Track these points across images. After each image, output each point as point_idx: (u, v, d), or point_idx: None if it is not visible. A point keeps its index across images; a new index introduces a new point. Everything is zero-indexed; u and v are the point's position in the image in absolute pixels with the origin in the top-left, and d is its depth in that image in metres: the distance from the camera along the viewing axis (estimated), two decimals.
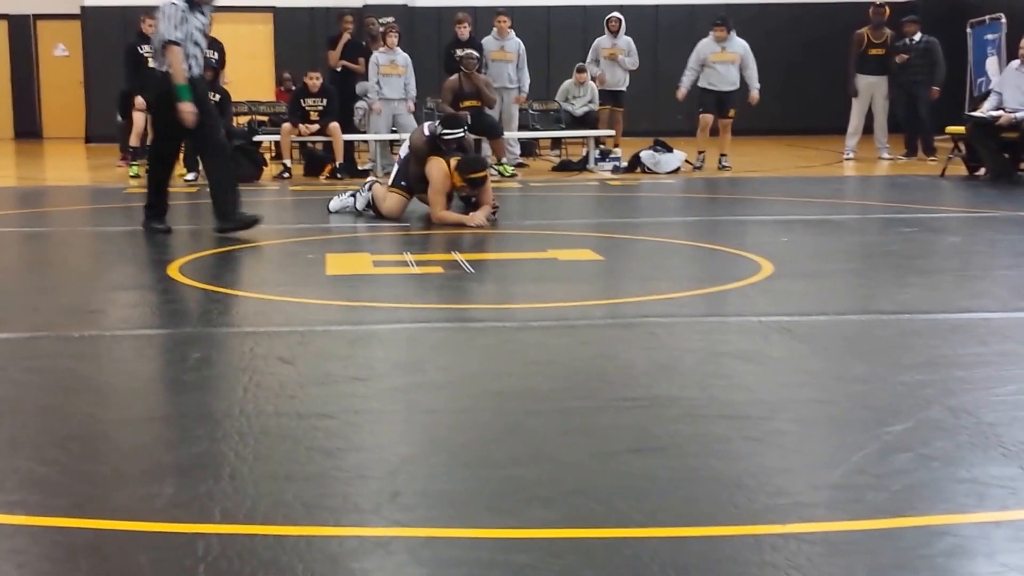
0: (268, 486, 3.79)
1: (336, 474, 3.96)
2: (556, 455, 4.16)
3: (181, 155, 16.35)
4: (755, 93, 16.96)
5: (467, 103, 15.90)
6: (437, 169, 10.71)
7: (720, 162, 16.95)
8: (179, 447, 4.26)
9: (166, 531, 3.46)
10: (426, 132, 11.22)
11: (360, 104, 17.63)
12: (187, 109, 9.61)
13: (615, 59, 18.04)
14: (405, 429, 4.57)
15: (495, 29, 17.34)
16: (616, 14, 18.35)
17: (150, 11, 17.24)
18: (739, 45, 16.89)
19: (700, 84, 16.97)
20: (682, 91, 17.13)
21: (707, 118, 16.97)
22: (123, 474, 4.01)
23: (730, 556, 3.32)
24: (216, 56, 16.72)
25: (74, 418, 4.67)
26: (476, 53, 16.35)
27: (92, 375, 5.54)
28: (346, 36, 17.64)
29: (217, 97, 16.01)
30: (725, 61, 16.81)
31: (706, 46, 16.97)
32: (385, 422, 4.65)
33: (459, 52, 16.69)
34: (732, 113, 16.93)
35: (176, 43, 9.78)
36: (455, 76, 16.10)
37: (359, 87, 17.58)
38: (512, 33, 17.36)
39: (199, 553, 3.28)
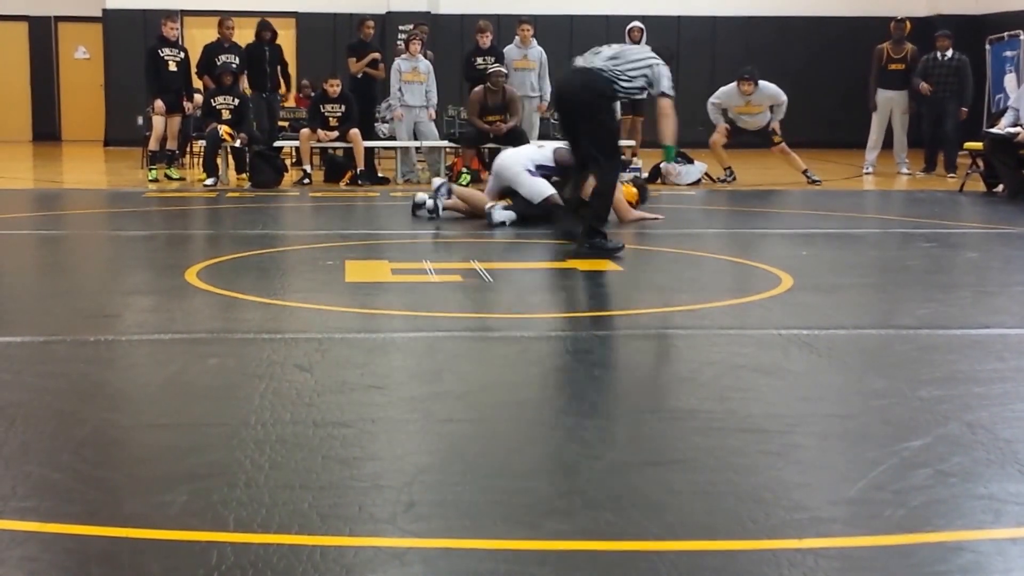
0: (283, 495, 3.78)
1: (352, 483, 3.95)
2: (573, 467, 4.15)
3: (202, 159, 16.49)
4: (775, 124, 16.85)
5: (491, 117, 15.91)
6: None
7: (808, 177, 16.72)
8: (194, 454, 4.25)
9: (179, 539, 3.45)
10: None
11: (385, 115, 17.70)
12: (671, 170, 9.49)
13: None
14: (422, 439, 4.56)
15: (517, 38, 17.30)
16: (638, 23, 18.32)
17: (171, 15, 17.36)
18: (766, 96, 16.72)
19: (733, 120, 16.93)
20: (721, 127, 17.02)
21: (724, 127, 16.92)
22: (137, 481, 4.00)
23: (747, 570, 3.31)
24: (237, 61, 16.76)
25: (88, 424, 4.66)
26: (504, 71, 16.28)
27: (107, 380, 5.54)
28: (373, 53, 17.55)
29: (236, 102, 16.06)
30: (752, 113, 16.76)
31: (730, 97, 16.86)
32: (402, 431, 4.63)
33: (480, 61, 16.70)
34: (778, 139, 16.79)
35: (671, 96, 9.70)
36: (480, 88, 16.05)
37: (386, 129, 17.67)
38: (535, 42, 17.32)
39: (212, 562, 3.26)
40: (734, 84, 16.85)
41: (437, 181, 12.16)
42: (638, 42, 18.03)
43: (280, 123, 19.26)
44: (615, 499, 3.81)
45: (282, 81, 17.79)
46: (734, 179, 16.82)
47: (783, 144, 16.82)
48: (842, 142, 22.79)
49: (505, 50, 17.20)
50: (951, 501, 3.84)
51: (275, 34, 17.75)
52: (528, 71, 17.16)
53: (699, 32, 24.38)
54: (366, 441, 4.47)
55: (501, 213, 11.26)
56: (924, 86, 17.78)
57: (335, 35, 23.62)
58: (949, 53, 17.94)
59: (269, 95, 17.31)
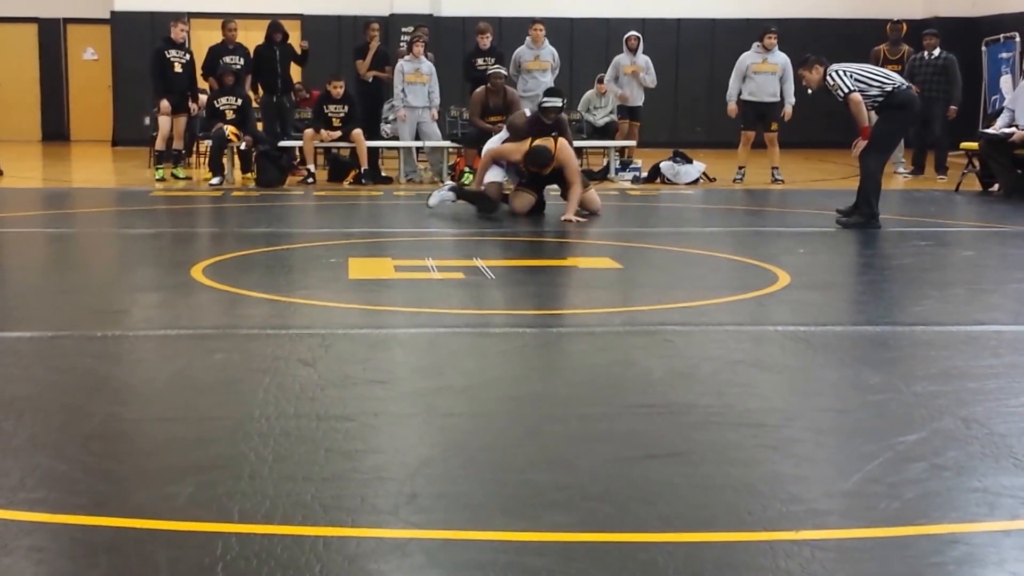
0: (287, 487, 3.83)
1: (354, 476, 4.00)
2: (573, 460, 4.19)
3: (207, 159, 16.51)
4: (788, 108, 16.75)
5: (493, 118, 15.87)
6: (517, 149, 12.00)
7: (773, 175, 16.77)
8: (199, 447, 4.30)
9: (185, 530, 3.50)
10: (528, 113, 11.68)
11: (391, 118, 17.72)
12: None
13: (636, 76, 18.00)
14: (423, 432, 4.60)
15: (529, 38, 17.18)
16: (634, 32, 18.26)
17: (179, 16, 17.37)
18: (781, 57, 16.70)
19: (742, 96, 16.85)
20: (732, 106, 16.94)
21: (749, 135, 16.85)
22: (143, 473, 4.05)
23: (744, 562, 3.36)
24: (241, 62, 16.77)
25: (96, 417, 4.71)
26: (504, 72, 16.23)
27: (114, 375, 5.58)
28: (375, 45, 17.55)
29: (239, 102, 16.07)
30: (766, 72, 16.68)
31: (748, 56, 16.83)
32: (404, 425, 4.68)
33: (480, 62, 16.67)
34: (775, 126, 16.74)
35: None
36: (481, 89, 16.01)
37: (389, 128, 17.66)
38: (547, 42, 17.20)
39: (217, 552, 3.32)
40: (753, 45, 16.90)
41: (447, 186, 12.39)
42: (635, 51, 18.01)
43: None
44: (614, 492, 3.86)
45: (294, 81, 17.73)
46: (742, 179, 16.80)
47: (776, 136, 16.80)
48: (839, 142, 22.75)
49: (517, 51, 17.10)
50: (946, 494, 3.89)
51: (286, 35, 17.70)
52: (540, 71, 17.04)
53: (699, 35, 24.32)
54: (368, 434, 4.52)
55: (437, 196, 12.28)
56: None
57: (340, 37, 23.58)
58: (936, 52, 17.81)
59: (279, 97, 17.27)
